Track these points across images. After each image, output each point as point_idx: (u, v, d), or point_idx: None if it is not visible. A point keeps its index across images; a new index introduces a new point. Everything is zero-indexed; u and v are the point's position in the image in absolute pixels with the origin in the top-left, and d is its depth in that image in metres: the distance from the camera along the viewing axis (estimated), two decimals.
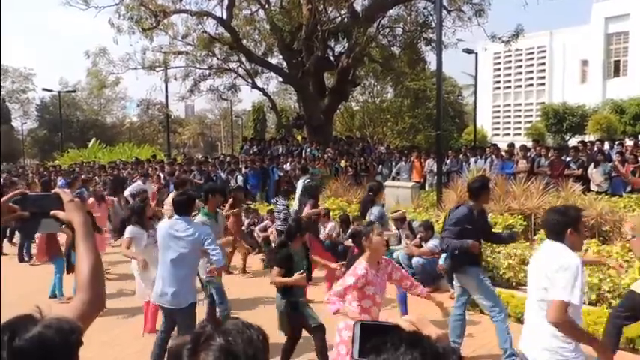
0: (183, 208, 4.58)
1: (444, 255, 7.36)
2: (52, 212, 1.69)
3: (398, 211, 8.25)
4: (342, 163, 15.40)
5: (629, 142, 14.21)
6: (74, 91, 42.30)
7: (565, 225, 2.89)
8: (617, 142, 14.01)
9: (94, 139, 33.78)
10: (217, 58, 20.39)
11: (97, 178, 15.53)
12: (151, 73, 20.49)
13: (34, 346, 1.02)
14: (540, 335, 2.87)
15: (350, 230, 7.01)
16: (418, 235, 7.80)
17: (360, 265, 3.56)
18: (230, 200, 8.34)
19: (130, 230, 5.53)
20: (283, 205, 8.83)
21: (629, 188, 10.09)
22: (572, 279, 2.68)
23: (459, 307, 4.92)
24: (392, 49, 20.25)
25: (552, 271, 2.75)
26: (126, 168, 17.26)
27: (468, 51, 21.31)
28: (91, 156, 27.13)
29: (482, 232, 4.82)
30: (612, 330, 4.18)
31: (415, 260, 7.46)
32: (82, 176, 13.65)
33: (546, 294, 2.78)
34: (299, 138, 20.10)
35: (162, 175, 14.28)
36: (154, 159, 19.47)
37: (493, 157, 13.05)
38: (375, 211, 6.12)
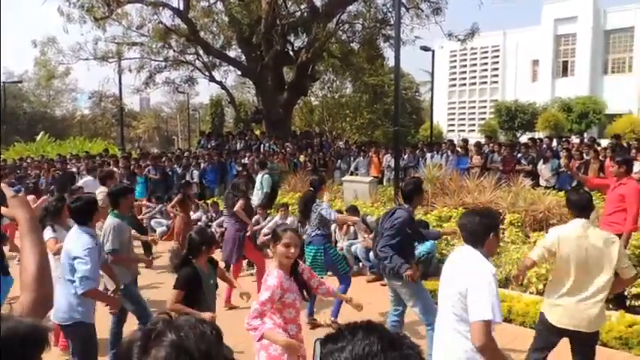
0: (82, 216, 3.83)
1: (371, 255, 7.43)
2: None
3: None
4: (301, 158, 15.40)
5: (575, 140, 14.89)
6: (20, 81, 40.37)
7: (489, 228, 2.68)
8: (563, 140, 14.62)
9: (42, 132, 32.37)
10: (174, 50, 19.95)
11: (39, 172, 14.90)
12: (104, 64, 19.84)
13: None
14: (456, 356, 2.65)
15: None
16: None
17: (272, 275, 3.14)
18: (179, 196, 8.11)
19: (48, 232, 4.47)
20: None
21: (574, 183, 10.56)
22: (493, 296, 2.48)
23: (397, 314, 4.66)
24: (351, 44, 20.38)
25: (472, 289, 2.51)
26: (77, 163, 16.63)
27: (425, 48, 21.70)
28: (39, 150, 25.99)
29: (416, 234, 4.70)
30: None
31: (373, 254, 7.56)
32: (19, 172, 13.06)
33: (464, 313, 2.56)
34: (258, 132, 19.95)
35: (115, 170, 13.84)
36: (106, 153, 18.85)
37: (449, 152, 13.37)
38: (323, 205, 5.76)
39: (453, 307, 2.64)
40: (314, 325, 5.67)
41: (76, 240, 3.73)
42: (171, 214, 9.47)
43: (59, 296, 3.64)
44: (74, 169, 15.20)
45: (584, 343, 3.58)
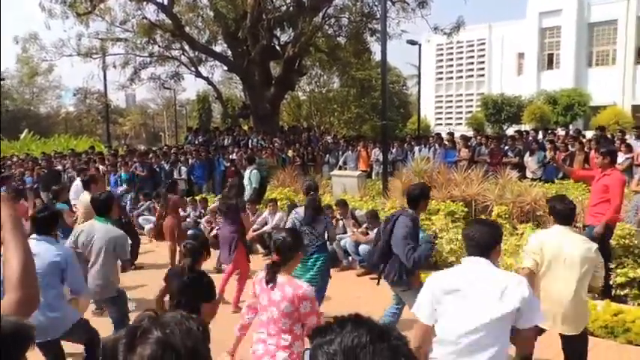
0: (44, 226, 3.77)
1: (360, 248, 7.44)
2: None
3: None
4: (289, 153, 15.37)
5: (561, 132, 15.03)
6: (2, 79, 39.73)
7: (496, 239, 2.63)
8: (549, 132, 14.75)
9: (26, 130, 31.92)
10: (159, 46, 19.75)
11: (23, 171, 14.69)
12: (88, 60, 19.61)
13: None
14: None
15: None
16: (364, 225, 7.95)
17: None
18: (171, 200, 7.97)
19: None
20: None
21: (560, 174, 10.68)
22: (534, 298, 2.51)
23: (397, 308, 4.65)
24: (337, 39, 20.34)
25: (519, 297, 2.38)
26: (62, 161, 16.41)
27: (412, 42, 21.72)
28: (23, 148, 25.63)
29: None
30: None
31: (362, 248, 7.59)
32: (3, 171, 12.86)
33: (500, 328, 2.41)
34: (245, 128, 19.87)
35: (101, 168, 13.70)
36: (92, 150, 18.63)
37: (436, 145, 13.43)
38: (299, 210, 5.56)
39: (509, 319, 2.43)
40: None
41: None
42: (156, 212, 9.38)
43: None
44: (59, 167, 15.03)
45: (570, 343, 3.65)
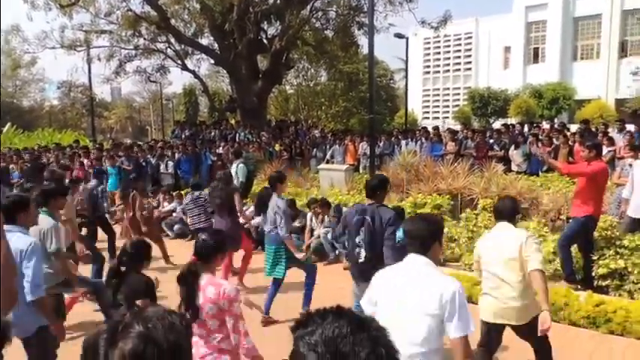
0: (8, 215, 3.45)
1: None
2: None
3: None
4: (277, 147, 15.33)
5: (546, 125, 15.18)
6: None
7: (434, 235, 2.54)
8: (534, 125, 14.89)
9: (9, 123, 31.40)
10: (144, 39, 19.49)
11: (7, 165, 14.44)
12: (72, 52, 19.32)
13: None
14: None
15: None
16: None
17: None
18: (131, 197, 7.87)
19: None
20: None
21: (545, 167, 10.80)
22: (466, 308, 2.33)
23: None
24: (325, 32, 20.28)
25: (446, 302, 2.29)
26: (47, 154, 16.18)
27: (399, 36, 21.74)
28: (5, 142, 25.23)
29: None
30: None
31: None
32: None
33: (430, 332, 2.32)
34: (232, 122, 19.76)
35: (85, 162, 13.54)
36: (77, 144, 18.40)
37: (423, 139, 13.49)
38: (280, 204, 5.53)
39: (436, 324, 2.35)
40: (268, 322, 5.43)
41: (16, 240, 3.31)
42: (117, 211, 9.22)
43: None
44: (44, 161, 14.82)
45: (524, 333, 3.68)
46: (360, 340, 1.00)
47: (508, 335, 3.80)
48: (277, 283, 5.59)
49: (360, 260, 4.30)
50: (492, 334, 3.73)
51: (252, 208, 9.07)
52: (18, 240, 3.27)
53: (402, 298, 2.39)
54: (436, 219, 2.76)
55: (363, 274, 4.19)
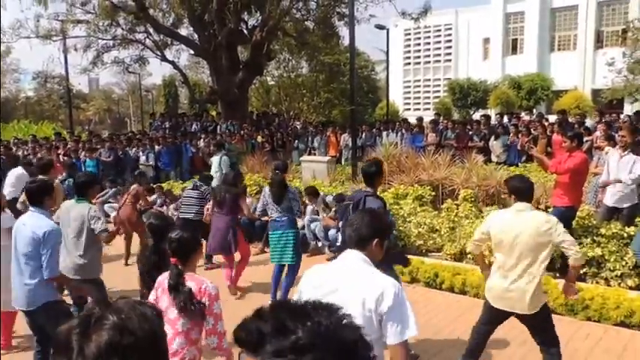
0: (34, 198, 3.94)
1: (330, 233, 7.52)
2: None
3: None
4: (259, 139, 15.27)
5: (525, 116, 15.35)
6: None
7: (376, 231, 2.31)
8: (513, 116, 15.06)
9: None
10: (122, 29, 19.12)
11: None
12: (47, 42, 18.86)
13: None
14: None
15: None
16: (333, 209, 7.98)
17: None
18: (134, 189, 7.82)
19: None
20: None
21: (523, 158, 10.96)
22: (408, 306, 2.12)
23: None
24: (306, 23, 20.14)
25: (386, 302, 2.07)
26: (23, 146, 15.80)
27: (380, 27, 21.73)
28: None
29: None
30: (475, 341, 3.90)
31: (331, 233, 7.64)
32: None
33: (372, 333, 2.02)
34: (213, 113, 19.57)
35: (61, 153, 13.28)
36: (58, 137, 17.99)
37: (403, 130, 13.56)
38: (293, 189, 5.91)
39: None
40: None
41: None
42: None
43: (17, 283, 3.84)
44: (19, 153, 14.48)
45: (529, 323, 3.65)
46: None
47: (506, 334, 3.86)
48: (292, 272, 5.64)
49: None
50: (497, 317, 3.69)
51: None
52: (38, 220, 3.79)
53: (335, 297, 2.06)
54: (380, 215, 2.58)
55: None
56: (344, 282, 2.17)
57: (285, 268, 5.76)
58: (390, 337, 2.06)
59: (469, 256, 6.49)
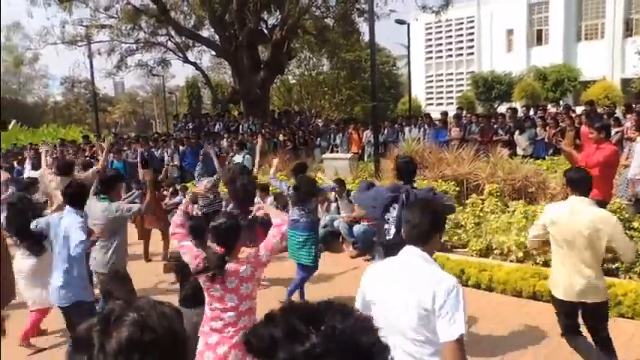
0: (70, 200, 4.23)
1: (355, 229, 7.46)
2: None
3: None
4: (280, 137, 15.30)
5: (552, 108, 14.99)
6: None
7: (436, 226, 2.31)
8: (539, 108, 14.71)
9: (13, 120, 31.52)
10: (144, 32, 19.45)
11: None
12: (73, 48, 19.34)
13: None
14: None
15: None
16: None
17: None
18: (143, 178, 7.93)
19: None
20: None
21: (550, 151, 10.70)
22: (462, 305, 2.09)
23: None
24: (325, 20, 20.12)
25: (439, 299, 2.07)
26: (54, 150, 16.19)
27: (400, 21, 21.52)
28: (11, 139, 25.33)
29: None
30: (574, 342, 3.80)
31: (356, 229, 7.61)
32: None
33: (430, 332, 2.10)
34: (235, 113, 19.72)
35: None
36: (86, 141, 18.32)
37: (426, 125, 13.41)
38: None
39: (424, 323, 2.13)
40: None
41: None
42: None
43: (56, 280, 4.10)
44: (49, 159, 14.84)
45: (591, 314, 3.63)
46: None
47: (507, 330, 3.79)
48: (307, 272, 5.65)
49: (389, 237, 4.21)
50: (568, 308, 3.66)
51: (256, 199, 9.05)
52: (68, 216, 4.10)
53: (396, 295, 2.17)
54: (439, 209, 2.50)
55: (389, 250, 4.17)
56: (404, 281, 2.18)
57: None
58: (440, 335, 2.06)
59: (495, 251, 6.38)
